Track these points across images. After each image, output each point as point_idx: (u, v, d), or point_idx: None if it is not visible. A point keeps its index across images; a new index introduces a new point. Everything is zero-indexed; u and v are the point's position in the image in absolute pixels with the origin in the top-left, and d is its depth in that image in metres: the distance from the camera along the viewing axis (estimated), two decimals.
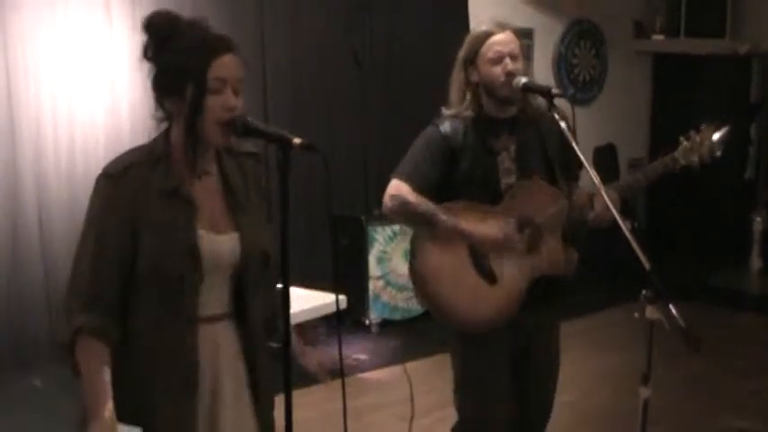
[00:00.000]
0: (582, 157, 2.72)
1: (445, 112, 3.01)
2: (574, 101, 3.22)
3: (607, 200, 2.65)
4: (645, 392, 2.46)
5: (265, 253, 2.20)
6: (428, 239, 2.93)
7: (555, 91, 2.84)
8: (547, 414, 3.18)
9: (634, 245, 2.44)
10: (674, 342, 2.35)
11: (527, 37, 7.35)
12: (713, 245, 7.78)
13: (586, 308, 6.51)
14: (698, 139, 3.02)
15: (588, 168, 2.71)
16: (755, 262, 7.76)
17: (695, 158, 3.01)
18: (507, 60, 2.89)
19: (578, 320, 6.18)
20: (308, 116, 6.05)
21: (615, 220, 2.62)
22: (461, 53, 2.97)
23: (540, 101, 2.91)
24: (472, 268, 2.94)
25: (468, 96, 2.96)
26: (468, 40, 2.98)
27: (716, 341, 5.44)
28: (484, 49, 2.91)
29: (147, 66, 2.13)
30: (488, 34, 2.92)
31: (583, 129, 3.01)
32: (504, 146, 2.97)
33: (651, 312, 2.37)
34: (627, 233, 2.47)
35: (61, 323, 2.16)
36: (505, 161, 2.97)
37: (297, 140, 1.98)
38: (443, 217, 2.88)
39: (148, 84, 2.14)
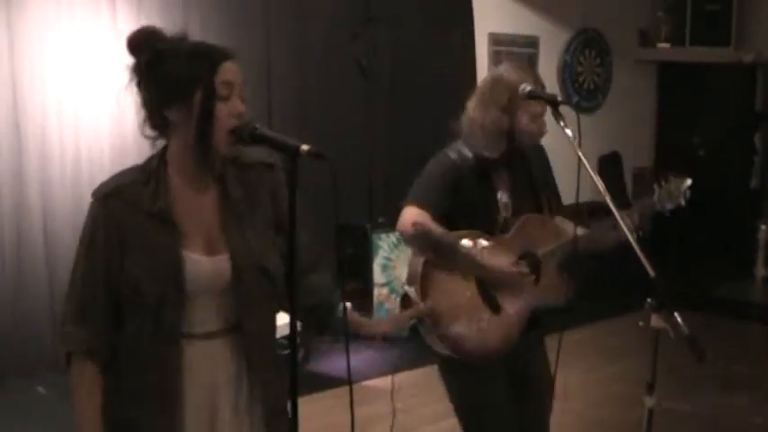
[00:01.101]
0: (588, 165, 2.71)
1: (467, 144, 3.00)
2: (578, 109, 3.25)
3: (618, 217, 2.63)
4: (650, 402, 2.45)
5: (263, 268, 2.15)
6: (440, 276, 2.95)
7: (560, 99, 2.86)
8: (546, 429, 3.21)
9: (639, 253, 2.44)
10: (679, 352, 2.35)
11: (532, 46, 7.36)
12: (718, 254, 7.76)
13: (591, 316, 6.50)
14: (671, 187, 3.09)
15: (594, 177, 2.71)
16: (760, 272, 7.75)
17: (670, 205, 3.08)
18: (543, 120, 2.96)
19: (583, 329, 6.18)
20: (313, 125, 6.05)
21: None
22: (500, 96, 2.94)
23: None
24: (479, 299, 3.00)
25: (504, 142, 2.97)
26: (503, 84, 2.94)
27: (721, 351, 5.43)
28: (528, 103, 2.93)
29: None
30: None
31: (587, 137, 3.00)
32: (502, 183, 3.07)
33: (656, 321, 2.36)
34: (632, 241, 2.47)
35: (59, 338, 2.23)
36: (503, 197, 3.07)
37: (305, 147, 1.94)
38: (464, 250, 2.93)
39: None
